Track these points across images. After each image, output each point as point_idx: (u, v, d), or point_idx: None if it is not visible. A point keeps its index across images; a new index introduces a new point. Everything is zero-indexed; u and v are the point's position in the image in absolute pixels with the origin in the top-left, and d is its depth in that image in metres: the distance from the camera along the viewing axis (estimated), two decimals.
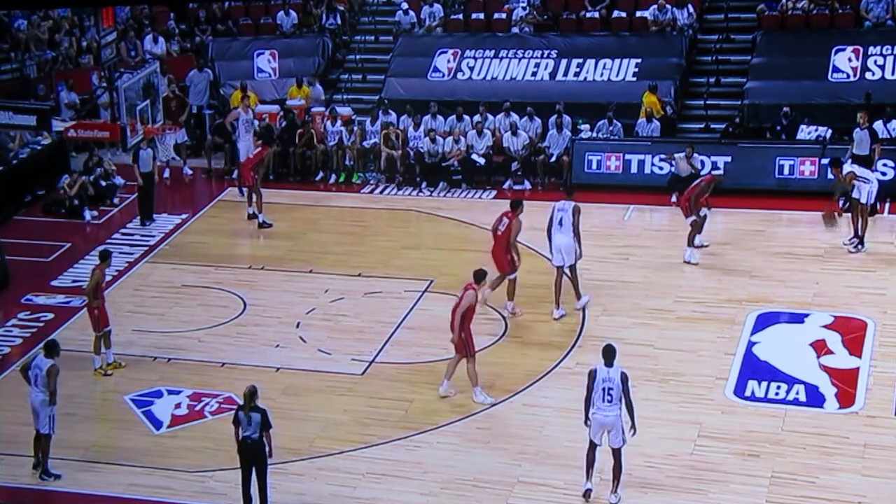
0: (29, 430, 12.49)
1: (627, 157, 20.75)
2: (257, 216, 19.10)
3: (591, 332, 15.14)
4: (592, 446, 11.46)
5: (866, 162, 18.47)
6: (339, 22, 25.16)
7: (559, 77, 22.77)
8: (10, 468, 12.50)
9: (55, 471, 12.34)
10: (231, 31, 25.44)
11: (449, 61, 23.40)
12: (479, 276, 13.85)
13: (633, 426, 11.37)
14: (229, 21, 25.64)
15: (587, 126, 21.45)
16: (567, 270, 15.63)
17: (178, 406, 13.75)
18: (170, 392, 14.03)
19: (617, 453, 11.44)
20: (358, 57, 24.69)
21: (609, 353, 11.40)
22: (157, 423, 13.44)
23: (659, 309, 15.76)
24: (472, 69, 23.25)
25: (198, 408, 13.68)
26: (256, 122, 21.38)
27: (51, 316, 16.22)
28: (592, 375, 11.33)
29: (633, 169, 20.71)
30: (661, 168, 20.50)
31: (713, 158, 20.24)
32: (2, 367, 14.84)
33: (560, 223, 15.50)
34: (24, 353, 15.06)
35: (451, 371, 13.64)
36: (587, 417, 11.38)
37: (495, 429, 13.04)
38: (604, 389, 11.21)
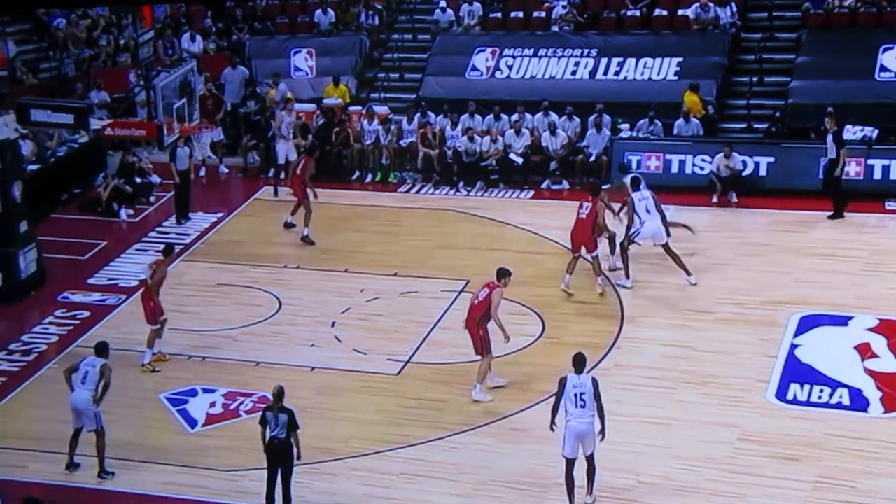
0: (62, 427, 12.72)
1: (668, 156, 20.72)
2: (296, 226, 18.80)
3: (629, 334, 15.15)
4: (570, 464, 11.38)
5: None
6: (377, 20, 25.30)
7: (599, 76, 22.75)
8: (44, 465, 12.72)
9: (110, 469, 12.49)
10: (268, 29, 25.66)
11: (487, 60, 23.46)
12: (503, 273, 13.89)
13: (602, 432, 11.32)
14: (266, 20, 25.87)
15: (627, 125, 21.44)
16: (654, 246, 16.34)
17: (212, 405, 13.92)
18: (205, 391, 14.21)
19: (591, 459, 11.44)
20: (395, 55, 24.81)
21: (579, 362, 11.48)
22: (192, 422, 13.62)
23: (697, 310, 15.74)
24: (510, 68, 23.29)
25: (232, 407, 13.83)
26: (292, 121, 21.54)
27: (86, 314, 16.47)
28: (563, 383, 11.38)
29: (674, 169, 20.66)
30: (701, 168, 20.44)
31: (755, 159, 20.15)
32: (38, 365, 15.07)
33: (647, 210, 16.23)
34: (60, 351, 15.34)
35: (482, 374, 13.69)
36: (553, 422, 11.43)
37: (531, 430, 13.05)
38: (575, 395, 11.26)
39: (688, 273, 16.46)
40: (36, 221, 18.06)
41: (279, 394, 11.50)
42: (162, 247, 15.90)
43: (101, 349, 12.61)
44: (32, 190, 18.16)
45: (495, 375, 13.86)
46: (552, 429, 11.50)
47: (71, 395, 12.42)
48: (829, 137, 18.94)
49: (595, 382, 11.40)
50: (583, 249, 16.30)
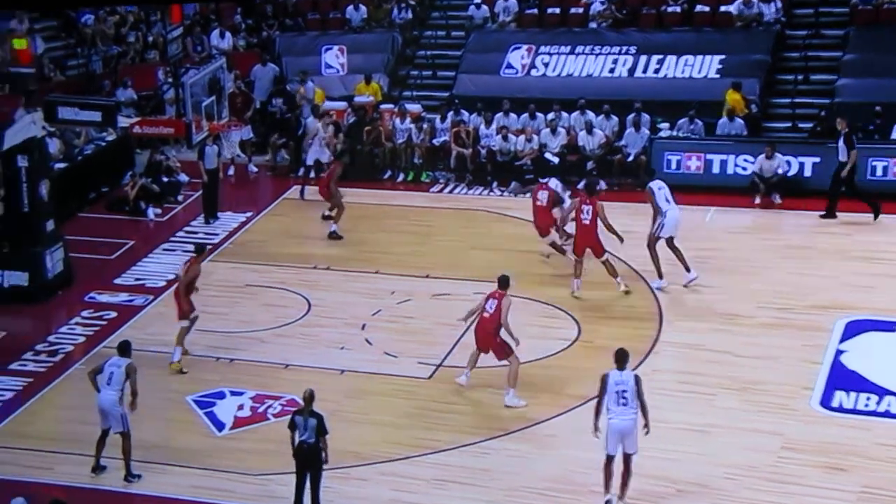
0: (88, 429, 12.85)
1: (709, 156, 20.63)
2: (331, 224, 19.03)
3: (668, 338, 15.09)
4: (610, 460, 11.43)
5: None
6: (410, 17, 25.36)
7: (638, 74, 22.70)
8: (70, 467, 12.82)
9: (136, 472, 12.57)
10: (299, 25, 25.81)
11: (523, 57, 23.46)
12: (506, 281, 13.87)
13: (646, 425, 11.37)
14: (297, 16, 26.01)
15: (666, 125, 21.36)
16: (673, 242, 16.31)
17: (240, 408, 13.98)
18: (232, 393, 14.28)
19: (629, 460, 11.45)
20: (428, 53, 24.87)
21: (622, 358, 11.50)
22: (220, 425, 13.69)
23: (739, 315, 15.66)
24: (546, 66, 23.28)
25: (260, 410, 13.89)
26: (326, 136, 21.60)
27: (113, 314, 16.61)
28: (605, 380, 11.40)
29: (715, 169, 20.57)
30: (744, 169, 20.32)
31: (800, 159, 20.01)
32: (65, 365, 15.21)
33: (667, 199, 16.40)
34: (87, 352, 15.48)
35: (513, 378, 13.68)
36: (596, 426, 11.42)
37: (564, 436, 13.04)
38: (617, 393, 11.29)
39: (687, 269, 16.39)
40: (63, 220, 18.26)
41: (309, 398, 11.55)
42: (193, 246, 16.06)
43: (124, 348, 12.70)
44: (59, 188, 18.35)
45: (513, 392, 13.73)
46: (595, 434, 11.46)
47: (97, 397, 12.53)
48: (840, 140, 18.81)
49: (637, 379, 11.42)
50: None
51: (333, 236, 18.82)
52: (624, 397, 11.28)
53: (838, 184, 18.77)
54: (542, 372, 14.45)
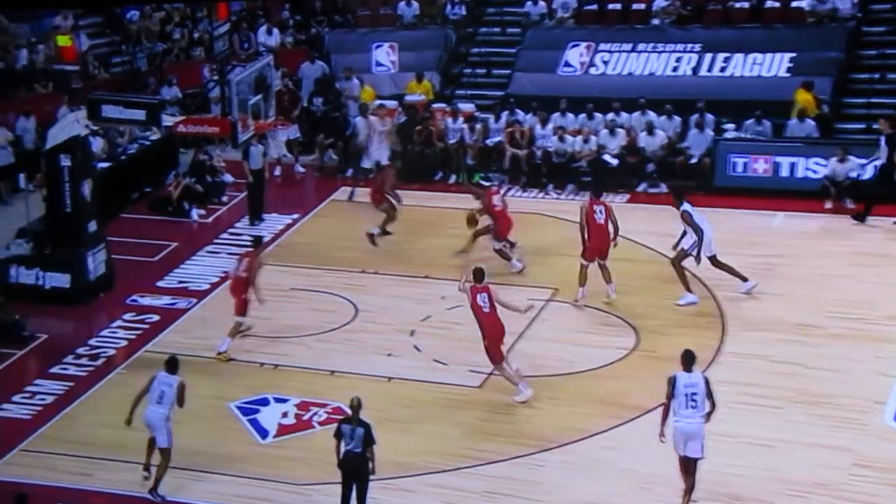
0: (129, 435, 13.02)
1: (777, 159, 20.49)
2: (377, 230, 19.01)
3: (731, 349, 15.01)
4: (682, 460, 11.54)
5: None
6: (464, 13, 25.45)
7: (702, 73, 22.60)
8: (109, 473, 13.02)
9: (162, 493, 12.58)
10: (348, 22, 26.01)
11: (581, 55, 23.45)
12: (481, 273, 14.29)
13: (708, 415, 11.46)
14: (347, 12, 26.21)
15: (732, 125, 21.23)
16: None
17: (284, 415, 14.11)
18: (276, 400, 14.42)
19: (694, 466, 11.44)
20: (482, 50, 24.94)
21: (689, 359, 11.56)
22: (263, 433, 13.83)
23: (808, 324, 15.54)
24: (606, 64, 23.25)
25: (305, 417, 14.01)
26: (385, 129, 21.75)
27: (156, 318, 16.84)
28: (673, 382, 11.43)
29: (784, 172, 20.42)
30: (814, 172, 20.13)
31: (876, 162, 19.76)
32: (106, 370, 15.45)
33: (702, 218, 16.28)
34: (128, 356, 15.72)
35: (514, 376, 13.99)
36: (662, 431, 11.47)
37: (623, 449, 13.01)
38: (686, 395, 11.34)
39: (744, 279, 16.31)
40: (105, 221, 18.55)
41: (357, 406, 11.62)
42: (251, 239, 16.50)
43: (173, 365, 12.67)
44: (102, 188, 18.63)
45: (524, 384, 14.01)
46: (661, 438, 11.50)
47: (145, 412, 12.58)
48: (882, 140, 18.61)
49: (707, 380, 11.49)
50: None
51: (371, 238, 18.62)
52: (694, 400, 11.33)
53: (891, 185, 18.59)
54: (598, 382, 14.45)
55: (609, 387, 14.22)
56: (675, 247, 16.38)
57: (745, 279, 16.38)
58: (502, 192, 18.09)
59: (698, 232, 16.07)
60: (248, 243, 16.74)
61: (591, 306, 16.42)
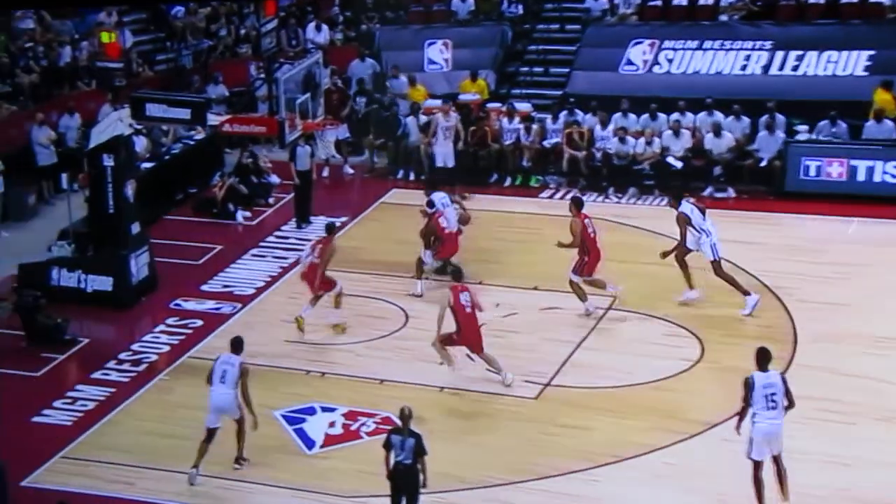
0: (172, 443, 13.18)
1: (853, 162, 20.29)
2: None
3: (803, 361, 14.87)
4: (758, 466, 11.58)
5: None
6: (521, 9, 25.46)
7: (773, 71, 22.45)
8: (151, 482, 13.16)
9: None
10: (401, 18, 26.12)
11: (644, 53, 23.38)
12: (458, 274, 15.64)
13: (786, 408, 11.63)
14: (399, 8, 26.33)
15: (805, 127, 21.06)
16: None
17: (332, 425, 14.19)
18: (323, 409, 14.51)
19: (779, 459, 11.61)
20: (540, 47, 24.93)
21: (765, 357, 11.68)
22: (310, 443, 13.91)
23: (885, 337, 15.38)
24: (670, 62, 23.16)
25: (353, 427, 14.09)
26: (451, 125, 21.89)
27: (200, 323, 17.01)
28: (750, 383, 11.51)
29: (861, 176, 20.24)
30: (893, 176, 19.92)
31: None
32: (148, 376, 15.62)
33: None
34: (171, 362, 15.90)
35: (494, 364, 14.67)
36: (740, 424, 11.61)
37: (687, 465, 12.94)
38: (766, 396, 11.44)
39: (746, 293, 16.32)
40: (148, 223, 18.81)
41: (407, 416, 11.65)
42: (325, 226, 16.99)
43: (237, 345, 13.10)
44: (146, 189, 18.90)
45: (505, 373, 14.71)
46: (738, 431, 11.68)
47: (211, 396, 12.92)
48: None
49: (784, 379, 11.62)
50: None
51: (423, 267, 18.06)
52: (773, 400, 11.43)
53: None
54: (659, 395, 14.39)
55: (671, 400, 14.14)
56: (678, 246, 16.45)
57: (746, 293, 16.20)
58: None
59: (705, 233, 16.21)
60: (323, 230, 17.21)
61: (654, 315, 16.33)
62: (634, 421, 13.88)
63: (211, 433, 12.94)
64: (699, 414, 13.74)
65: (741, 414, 11.61)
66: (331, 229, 16.75)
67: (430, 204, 17.81)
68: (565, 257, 18.46)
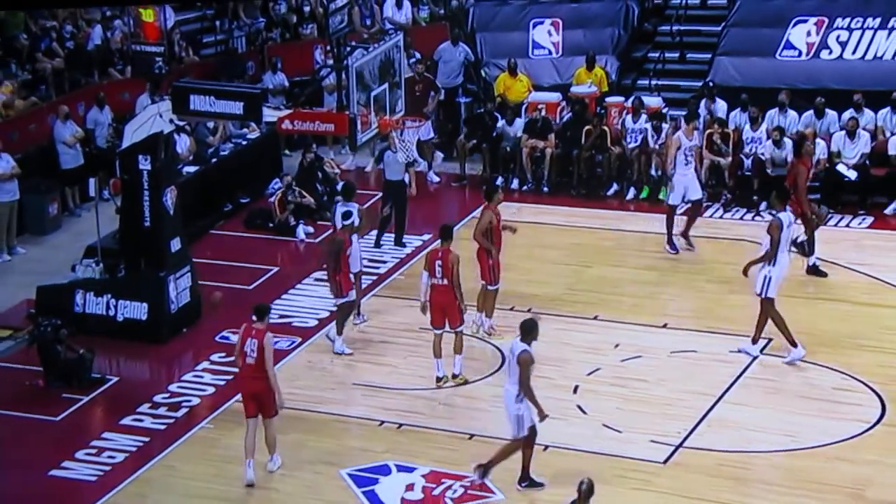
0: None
1: None
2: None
3: None
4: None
5: None
6: None
7: None
8: None
9: (539, 478, 13.90)
10: None
11: (809, 34, 23.31)
12: (447, 233, 16.69)
13: None
14: None
15: None
16: None
17: (410, 488, 14.35)
18: (400, 469, 14.68)
19: None
20: (675, 28, 25.01)
21: None
22: None
23: None
24: (843, 45, 23.05)
25: (436, 492, 14.23)
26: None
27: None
28: None
29: None
30: None
31: None
32: (190, 423, 15.91)
33: None
34: (216, 407, 16.19)
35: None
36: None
37: None
38: None
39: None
40: (191, 238, 19.19)
41: (586, 492, 11.97)
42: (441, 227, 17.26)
43: (528, 330, 14.06)
44: (189, 198, 19.30)
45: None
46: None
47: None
48: None
49: None
50: None
51: None
52: None
53: None
54: (829, 464, 14.36)
55: (845, 471, 14.09)
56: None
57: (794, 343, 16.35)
58: None
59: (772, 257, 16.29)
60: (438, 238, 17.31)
61: (820, 363, 16.27)
62: (796, 496, 13.84)
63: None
64: (879, 491, 13.74)
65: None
66: (447, 234, 16.81)
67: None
68: (703, 289, 18.58)
